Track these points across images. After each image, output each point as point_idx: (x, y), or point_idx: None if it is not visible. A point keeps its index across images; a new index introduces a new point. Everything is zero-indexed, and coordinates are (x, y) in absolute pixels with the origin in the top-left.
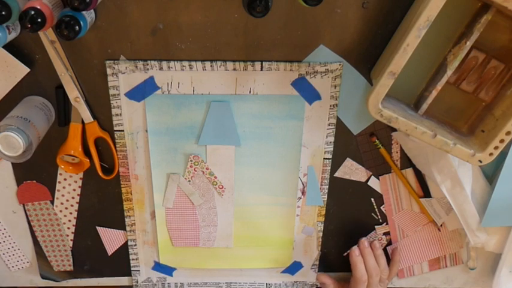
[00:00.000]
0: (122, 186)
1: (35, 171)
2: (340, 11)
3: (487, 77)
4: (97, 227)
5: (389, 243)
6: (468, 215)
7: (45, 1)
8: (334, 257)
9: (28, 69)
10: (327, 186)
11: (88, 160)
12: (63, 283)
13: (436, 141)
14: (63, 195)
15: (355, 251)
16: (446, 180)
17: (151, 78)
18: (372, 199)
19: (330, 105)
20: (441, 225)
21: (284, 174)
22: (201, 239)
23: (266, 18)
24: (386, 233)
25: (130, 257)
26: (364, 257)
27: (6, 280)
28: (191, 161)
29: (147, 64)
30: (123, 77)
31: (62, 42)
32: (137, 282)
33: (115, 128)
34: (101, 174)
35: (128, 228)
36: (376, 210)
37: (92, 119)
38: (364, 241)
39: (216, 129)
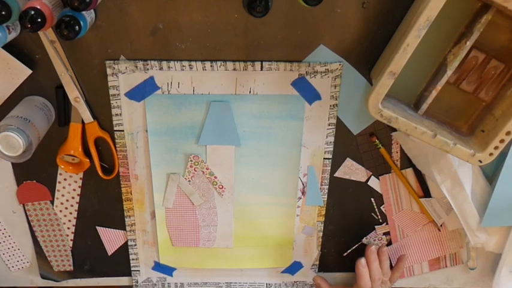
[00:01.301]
0: (122, 186)
1: (35, 171)
2: (340, 11)
3: (487, 77)
4: (97, 227)
5: (390, 243)
6: (468, 215)
7: (45, 1)
8: (334, 257)
9: (30, 71)
10: (327, 186)
11: (88, 160)
12: (63, 283)
13: (436, 141)
14: (63, 195)
15: (361, 261)
16: (446, 180)
17: (151, 78)
18: (372, 199)
19: (330, 105)
20: (441, 225)
21: (284, 174)
22: (201, 239)
23: (266, 18)
24: (387, 233)
25: (131, 257)
26: (370, 263)
27: (6, 280)
28: (191, 161)
29: (147, 64)
30: (123, 77)
31: (62, 42)
32: (137, 282)
33: (115, 128)
34: (101, 174)
35: (128, 228)
36: (376, 210)
37: (92, 119)
38: (373, 248)
39: (216, 129)
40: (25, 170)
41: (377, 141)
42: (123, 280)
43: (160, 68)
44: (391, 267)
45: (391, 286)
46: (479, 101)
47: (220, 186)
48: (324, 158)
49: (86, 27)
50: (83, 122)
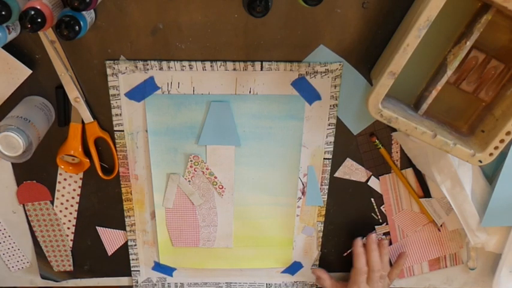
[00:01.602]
0: (122, 186)
1: (35, 171)
2: (340, 11)
3: (487, 77)
4: (97, 227)
5: (390, 243)
6: (468, 215)
7: (45, 1)
8: (334, 257)
9: (30, 71)
10: (327, 186)
11: (88, 160)
12: (63, 283)
13: (436, 141)
14: (63, 195)
15: (358, 241)
16: (446, 180)
17: (151, 78)
18: (372, 199)
19: (330, 105)
20: (441, 225)
21: (284, 174)
22: (201, 239)
23: (266, 18)
24: (387, 233)
25: (131, 257)
26: (369, 251)
27: (6, 280)
28: (191, 161)
29: (147, 64)
30: (123, 77)
31: (62, 42)
32: (137, 282)
33: (115, 128)
34: (101, 174)
35: (128, 228)
36: (376, 210)
37: (92, 119)
38: (373, 236)
39: (216, 129)
40: (25, 170)
41: (377, 141)
42: (123, 280)
43: (160, 68)
44: (391, 264)
45: (390, 283)
46: (479, 101)
47: (220, 186)
48: (324, 158)
49: (86, 27)
50: (83, 122)
